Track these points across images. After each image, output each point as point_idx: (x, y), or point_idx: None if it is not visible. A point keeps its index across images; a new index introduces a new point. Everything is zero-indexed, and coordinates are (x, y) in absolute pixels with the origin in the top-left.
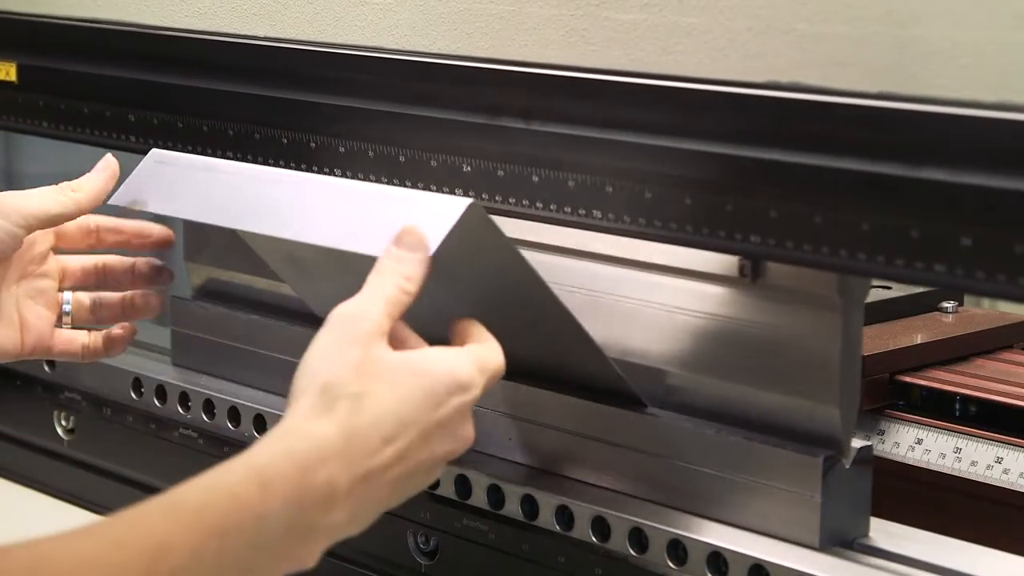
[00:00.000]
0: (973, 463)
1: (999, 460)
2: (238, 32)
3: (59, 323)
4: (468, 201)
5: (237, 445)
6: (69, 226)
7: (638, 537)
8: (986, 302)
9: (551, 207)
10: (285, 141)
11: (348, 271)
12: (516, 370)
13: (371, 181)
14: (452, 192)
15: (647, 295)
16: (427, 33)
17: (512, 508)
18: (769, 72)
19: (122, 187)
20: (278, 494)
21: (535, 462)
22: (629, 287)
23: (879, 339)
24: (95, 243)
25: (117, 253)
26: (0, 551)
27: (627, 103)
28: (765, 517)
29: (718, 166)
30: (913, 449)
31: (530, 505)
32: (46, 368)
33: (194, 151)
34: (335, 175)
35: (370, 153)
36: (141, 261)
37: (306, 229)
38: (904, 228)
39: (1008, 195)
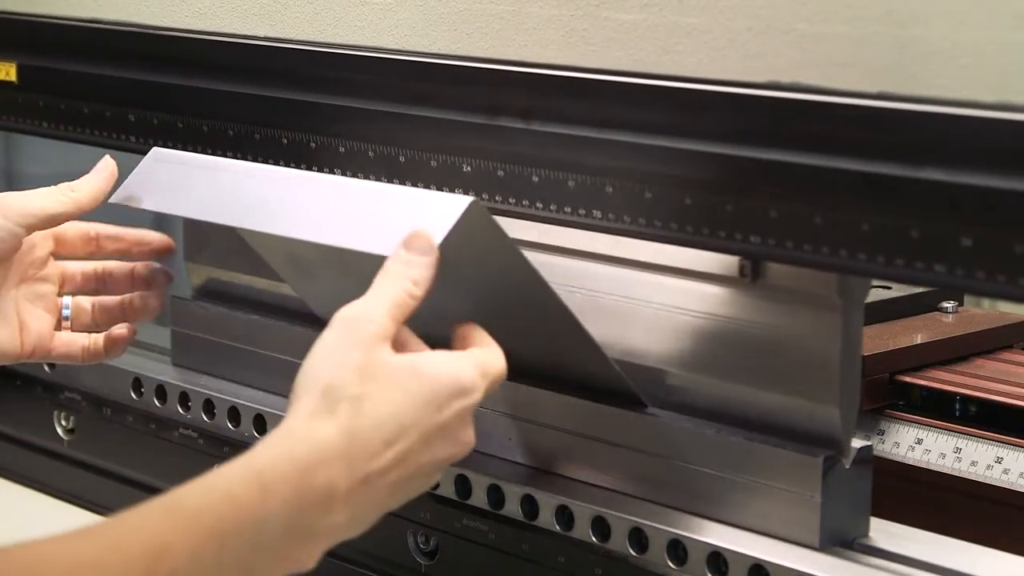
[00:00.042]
0: (973, 463)
1: (999, 460)
2: (238, 32)
3: (58, 327)
4: (470, 199)
5: (237, 445)
6: (69, 233)
7: (638, 537)
8: (986, 302)
9: (551, 207)
10: (285, 141)
11: (348, 270)
12: (516, 370)
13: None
14: (452, 192)
15: (647, 295)
16: (427, 33)
17: (512, 508)
18: (769, 72)
19: (123, 185)
20: (278, 496)
21: (535, 462)
22: (629, 287)
23: (879, 339)
24: (95, 250)
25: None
26: (0, 552)
27: (627, 103)
28: (765, 517)
29: (718, 166)
30: (913, 449)
31: (530, 505)
32: (46, 368)
33: (194, 151)
34: (335, 175)
35: (370, 153)
36: (140, 265)
37: (307, 227)
38: (904, 228)
39: (1008, 195)
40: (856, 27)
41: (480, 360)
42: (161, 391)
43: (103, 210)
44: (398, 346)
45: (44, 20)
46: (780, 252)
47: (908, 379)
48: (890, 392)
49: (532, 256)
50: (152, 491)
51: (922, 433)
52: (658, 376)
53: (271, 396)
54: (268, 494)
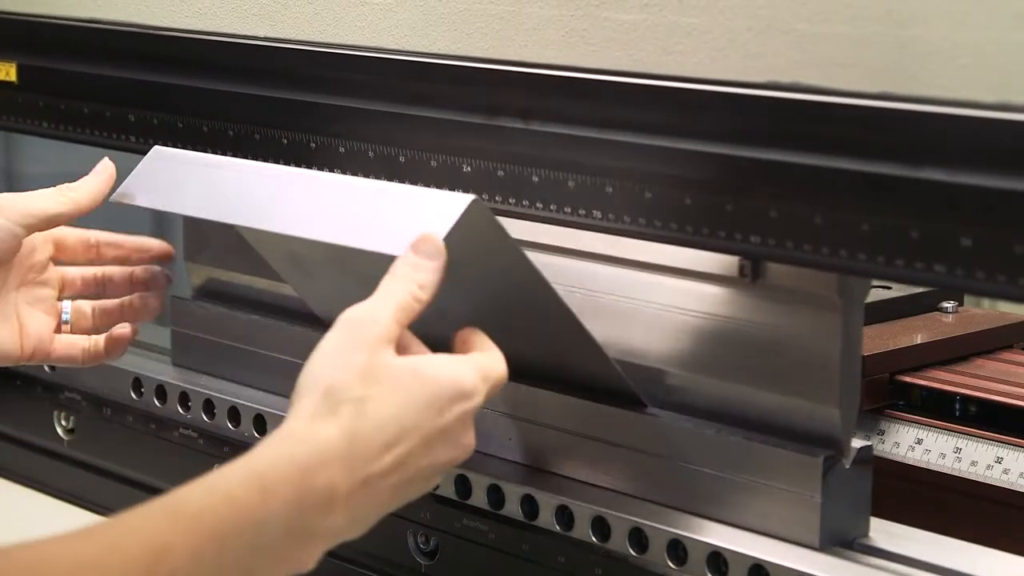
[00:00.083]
0: (973, 463)
1: (999, 460)
2: (238, 32)
3: (58, 330)
4: (471, 197)
5: (237, 445)
6: (69, 239)
7: (638, 537)
8: (986, 302)
9: (551, 207)
10: (285, 141)
11: (347, 268)
12: (517, 370)
13: None
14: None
15: (647, 295)
16: (427, 33)
17: (512, 508)
18: (769, 72)
19: (124, 183)
20: (278, 497)
21: (535, 462)
22: (629, 287)
23: (879, 339)
24: (95, 257)
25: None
26: (0, 552)
27: (627, 103)
28: (765, 517)
29: (718, 166)
30: (913, 449)
31: (530, 505)
32: (46, 368)
33: (194, 151)
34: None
35: (370, 153)
36: (139, 269)
37: (308, 225)
38: (904, 228)
39: (1008, 195)
40: (856, 27)
41: (481, 364)
42: (161, 391)
43: (104, 209)
44: (400, 349)
45: (44, 20)
46: (780, 252)
47: (908, 379)
48: (890, 392)
49: (532, 256)
50: (152, 491)
51: (922, 433)
52: (658, 376)
53: (271, 396)
54: (268, 495)
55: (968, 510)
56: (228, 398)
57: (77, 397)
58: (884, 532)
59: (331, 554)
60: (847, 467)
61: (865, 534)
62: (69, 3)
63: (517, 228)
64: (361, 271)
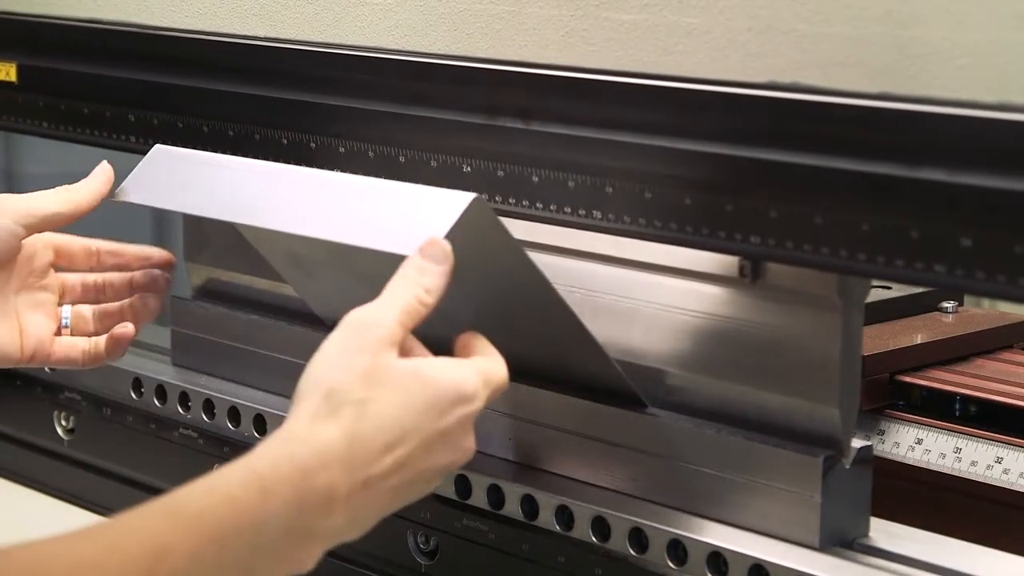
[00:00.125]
0: (973, 463)
1: (999, 460)
2: (238, 32)
3: (58, 333)
4: (472, 195)
5: (237, 445)
6: (70, 247)
7: (638, 537)
8: (986, 302)
9: (551, 207)
10: (285, 141)
11: (348, 266)
12: (517, 369)
13: None
14: None
15: (647, 295)
16: (427, 33)
17: (512, 508)
18: (769, 72)
19: (125, 181)
20: (278, 497)
21: (535, 462)
22: (629, 287)
23: (879, 339)
24: (95, 265)
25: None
26: (0, 552)
27: (627, 103)
28: (765, 517)
29: (718, 166)
30: (913, 449)
31: (530, 505)
32: (46, 368)
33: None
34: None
35: (370, 153)
36: (139, 274)
37: (309, 224)
38: (904, 228)
39: (1008, 195)
40: (856, 27)
41: (483, 368)
42: (161, 391)
43: (105, 209)
44: (403, 351)
45: (44, 20)
46: (780, 252)
47: (908, 379)
48: (890, 392)
49: (532, 256)
50: (152, 491)
51: (922, 433)
52: (658, 376)
53: (271, 396)
54: (268, 496)
55: (968, 510)
56: (228, 398)
57: (77, 397)
58: (884, 532)
59: (331, 554)
60: (847, 467)
61: (865, 534)
62: (69, 3)
63: (517, 228)
64: (361, 270)
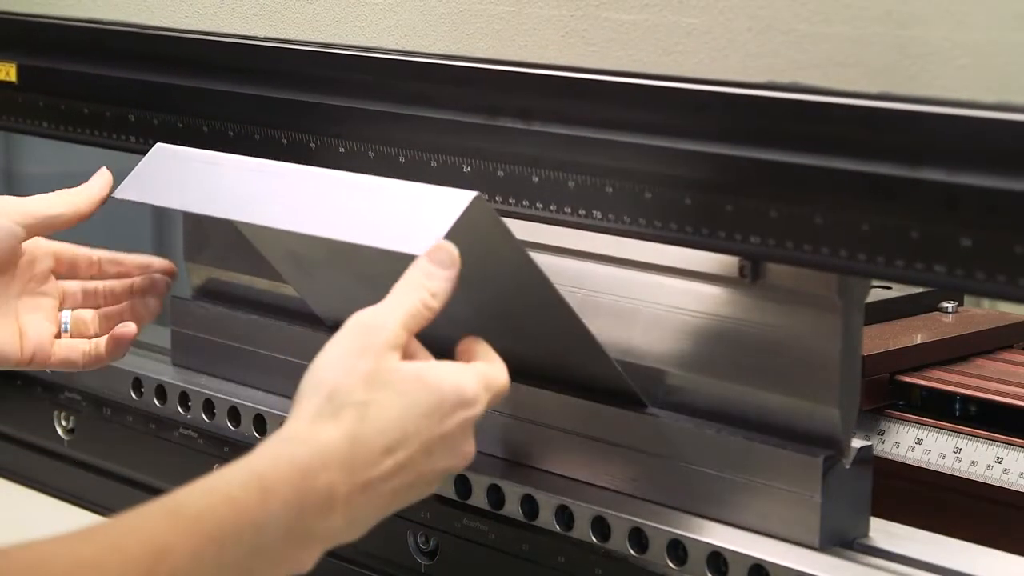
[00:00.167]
0: (973, 463)
1: (999, 460)
2: (238, 32)
3: (58, 336)
4: (473, 194)
5: (237, 445)
6: (70, 255)
7: (638, 537)
8: (986, 302)
9: (551, 207)
10: (285, 141)
11: (348, 265)
12: (518, 370)
13: None
14: None
15: (647, 295)
16: (427, 33)
17: (512, 508)
18: (769, 72)
19: (126, 180)
20: (278, 498)
21: (535, 462)
22: (629, 287)
23: (879, 339)
24: (96, 274)
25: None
26: (0, 552)
27: (627, 103)
28: (765, 517)
29: (718, 166)
30: (913, 449)
31: (530, 505)
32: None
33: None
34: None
35: (370, 153)
36: (139, 279)
37: (310, 222)
38: (904, 229)
39: (1008, 195)
40: (856, 27)
41: (484, 373)
42: (161, 391)
43: (106, 208)
44: (405, 354)
45: (44, 20)
46: (780, 252)
47: (908, 379)
48: (890, 392)
49: (532, 256)
50: (152, 491)
51: (922, 433)
52: (658, 376)
53: (271, 396)
54: (268, 496)
55: (968, 510)
56: (228, 398)
57: (77, 397)
58: (884, 532)
59: (331, 554)
60: (847, 467)
61: (865, 534)
62: (69, 3)
63: (517, 228)
64: (361, 269)
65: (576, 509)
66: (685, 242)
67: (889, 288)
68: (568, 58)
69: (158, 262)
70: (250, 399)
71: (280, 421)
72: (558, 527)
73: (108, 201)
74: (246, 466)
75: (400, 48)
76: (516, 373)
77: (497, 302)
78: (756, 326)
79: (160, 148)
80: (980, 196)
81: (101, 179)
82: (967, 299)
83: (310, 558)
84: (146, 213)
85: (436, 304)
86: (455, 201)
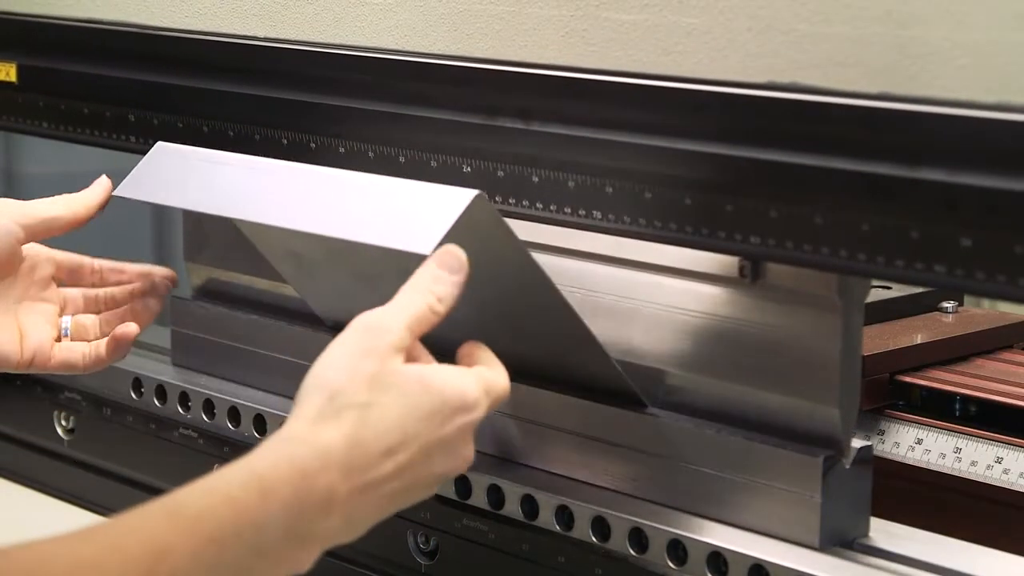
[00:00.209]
0: (973, 463)
1: (999, 460)
2: (237, 32)
3: (59, 340)
4: (475, 192)
5: (237, 445)
6: (73, 264)
7: (638, 537)
8: (986, 302)
9: (551, 207)
10: (285, 141)
11: (348, 264)
12: (518, 369)
13: None
14: None
15: (647, 295)
16: (427, 34)
17: (512, 508)
18: (769, 72)
19: (128, 178)
20: (278, 498)
21: (535, 462)
22: (629, 287)
23: (879, 339)
24: (97, 282)
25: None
26: (0, 552)
27: (627, 103)
28: (765, 517)
29: (718, 166)
30: (913, 449)
31: (530, 505)
32: None
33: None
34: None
35: (370, 153)
36: (139, 285)
37: (310, 221)
38: (904, 229)
39: (1008, 196)
40: (856, 27)
41: (485, 378)
42: (161, 391)
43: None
44: (408, 357)
45: (44, 20)
46: (780, 252)
47: (908, 379)
48: (890, 392)
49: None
50: (152, 491)
51: (922, 433)
52: (658, 376)
53: (271, 396)
54: (268, 496)
55: (968, 510)
56: (228, 398)
57: (77, 397)
58: (884, 532)
59: (331, 554)
60: (847, 467)
61: (865, 534)
62: (69, 3)
63: (517, 228)
64: (361, 268)
65: (576, 509)
66: (685, 242)
67: (889, 288)
68: (568, 58)
69: (159, 271)
70: (250, 399)
71: (280, 421)
72: (558, 527)
73: (109, 201)
74: (246, 466)
75: (400, 48)
76: (516, 373)
77: (498, 301)
78: (756, 326)
79: (161, 147)
80: (980, 196)
81: (101, 186)
82: (967, 299)
83: (309, 558)
84: (146, 214)
85: (442, 309)
86: (456, 199)
